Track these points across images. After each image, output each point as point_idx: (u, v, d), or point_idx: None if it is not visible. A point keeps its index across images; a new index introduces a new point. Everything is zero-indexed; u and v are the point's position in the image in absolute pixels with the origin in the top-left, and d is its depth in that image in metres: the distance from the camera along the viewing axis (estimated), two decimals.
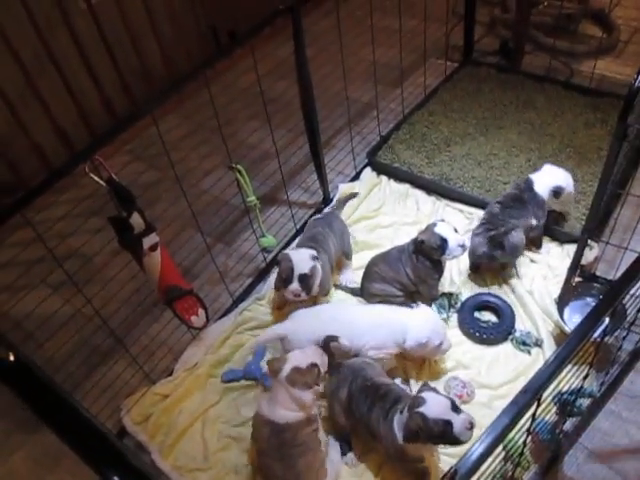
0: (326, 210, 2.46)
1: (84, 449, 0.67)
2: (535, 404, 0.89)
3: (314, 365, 1.64)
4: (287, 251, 1.96)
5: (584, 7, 3.29)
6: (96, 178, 1.52)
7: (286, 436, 1.59)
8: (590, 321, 0.95)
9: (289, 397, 1.60)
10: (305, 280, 1.87)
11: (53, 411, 0.70)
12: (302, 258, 1.89)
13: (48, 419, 0.69)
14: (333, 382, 1.74)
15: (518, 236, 2.07)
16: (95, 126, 3.08)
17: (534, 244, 2.23)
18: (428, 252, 1.96)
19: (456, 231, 1.97)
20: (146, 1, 3.09)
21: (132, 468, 0.63)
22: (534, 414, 0.95)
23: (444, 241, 1.92)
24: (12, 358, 0.70)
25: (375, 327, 1.83)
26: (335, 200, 2.49)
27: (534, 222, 2.12)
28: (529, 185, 2.14)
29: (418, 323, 1.79)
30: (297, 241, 2.20)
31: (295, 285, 1.87)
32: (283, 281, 1.90)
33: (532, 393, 0.85)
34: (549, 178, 2.14)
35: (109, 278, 2.15)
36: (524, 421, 0.94)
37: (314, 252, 1.93)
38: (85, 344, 2.14)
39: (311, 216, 2.53)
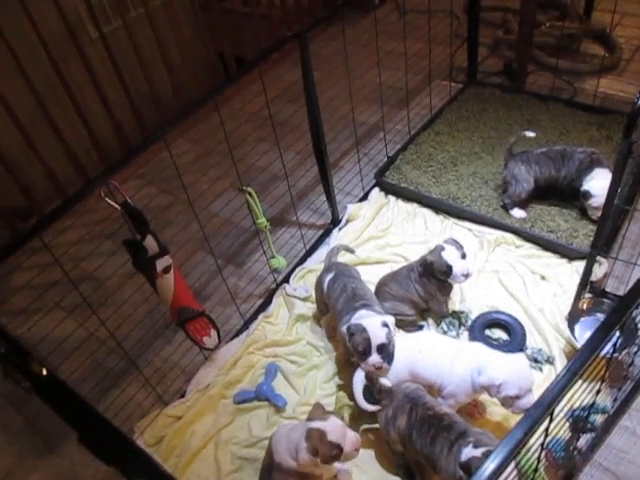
0: (325, 263, 2.24)
1: (114, 456, 0.69)
2: (548, 418, 0.90)
3: (338, 448, 1.51)
4: (358, 321, 1.77)
5: (586, 27, 3.34)
6: (111, 202, 1.56)
7: (275, 476, 1.59)
8: (600, 334, 0.96)
9: (294, 443, 1.56)
10: (384, 350, 1.72)
11: (84, 422, 0.72)
12: (375, 327, 1.73)
13: (79, 429, 0.71)
14: (389, 410, 1.65)
15: (519, 170, 2.34)
16: (106, 151, 3.14)
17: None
18: (434, 273, 1.98)
19: (464, 256, 1.97)
20: (156, 29, 3.17)
21: (161, 474, 0.65)
22: (547, 429, 0.96)
23: (449, 267, 1.94)
24: (45, 373, 0.73)
25: (455, 367, 1.70)
26: (328, 255, 2.28)
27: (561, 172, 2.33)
28: (588, 167, 2.29)
29: (499, 362, 1.63)
30: (339, 306, 1.94)
31: (375, 357, 1.71)
32: (361, 354, 1.73)
33: (545, 407, 0.86)
34: (600, 181, 2.21)
35: (122, 301, 2.18)
36: (538, 435, 0.95)
37: (383, 318, 1.77)
38: (98, 367, 2.15)
39: (320, 237, 2.56)
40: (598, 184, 2.21)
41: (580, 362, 0.91)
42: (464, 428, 1.50)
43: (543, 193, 2.43)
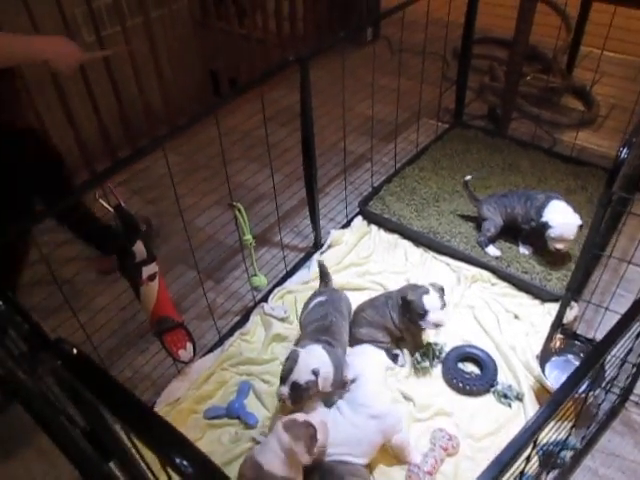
0: (319, 287, 2.26)
1: (148, 433, 0.69)
2: (532, 445, 0.94)
3: (312, 426, 1.60)
4: (300, 349, 1.78)
5: (567, 82, 3.51)
6: (105, 204, 1.56)
7: None
8: (583, 369, 1.01)
9: (277, 447, 1.59)
10: (296, 389, 1.72)
11: (116, 399, 0.72)
12: (305, 367, 1.72)
13: (111, 407, 0.72)
14: None
15: (487, 209, 2.49)
16: (90, 153, 3.11)
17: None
18: (410, 310, 2.02)
19: (443, 307, 2.01)
20: (151, 40, 3.20)
21: (194, 451, 0.65)
22: (529, 456, 0.99)
23: (425, 312, 1.98)
24: (75, 352, 0.73)
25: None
26: (320, 273, 2.31)
27: (519, 210, 2.45)
28: (544, 202, 2.37)
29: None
30: (308, 329, 1.98)
31: (284, 389, 1.73)
32: (281, 376, 1.77)
33: (531, 433, 0.90)
34: (558, 213, 2.33)
35: (97, 308, 2.15)
36: (519, 463, 0.98)
37: (320, 367, 1.74)
38: None
39: (302, 259, 2.59)
40: (556, 215, 2.31)
41: (564, 393, 0.95)
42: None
43: (515, 235, 2.52)
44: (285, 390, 1.72)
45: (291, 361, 1.74)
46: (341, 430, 1.72)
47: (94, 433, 0.82)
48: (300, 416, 1.65)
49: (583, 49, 3.52)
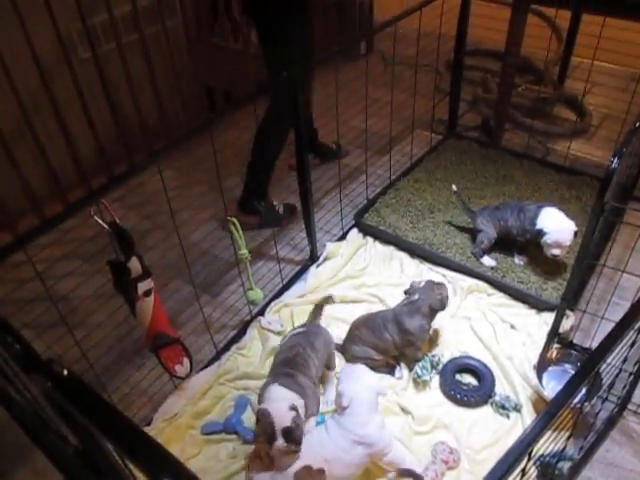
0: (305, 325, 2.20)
1: (138, 454, 0.69)
2: (527, 457, 0.93)
3: (322, 471, 1.63)
4: (264, 405, 1.72)
5: (559, 92, 3.54)
6: (100, 221, 1.56)
7: None
8: (578, 379, 1.01)
9: None
10: (290, 433, 1.65)
11: (106, 420, 0.72)
12: (281, 411, 1.68)
13: (102, 428, 0.71)
14: None
15: (481, 221, 2.50)
16: (85, 170, 3.12)
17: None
18: (442, 307, 2.09)
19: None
20: (147, 56, 3.22)
21: (185, 473, 0.65)
22: (524, 469, 0.99)
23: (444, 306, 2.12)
24: (66, 373, 0.73)
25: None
26: (314, 307, 2.32)
27: (512, 223, 2.44)
28: (536, 211, 2.37)
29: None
30: (275, 360, 1.99)
31: (280, 442, 1.64)
32: (267, 439, 1.67)
33: (525, 445, 0.89)
34: (551, 218, 2.33)
35: (93, 324, 2.15)
36: (514, 476, 0.98)
37: (292, 401, 1.72)
38: None
39: (298, 272, 2.59)
40: (550, 222, 2.31)
41: (559, 403, 0.95)
42: None
43: (510, 246, 2.53)
44: (281, 442, 1.64)
45: (265, 418, 1.67)
46: (326, 452, 1.69)
47: (87, 453, 0.82)
48: (313, 461, 1.65)
49: (574, 60, 3.55)
